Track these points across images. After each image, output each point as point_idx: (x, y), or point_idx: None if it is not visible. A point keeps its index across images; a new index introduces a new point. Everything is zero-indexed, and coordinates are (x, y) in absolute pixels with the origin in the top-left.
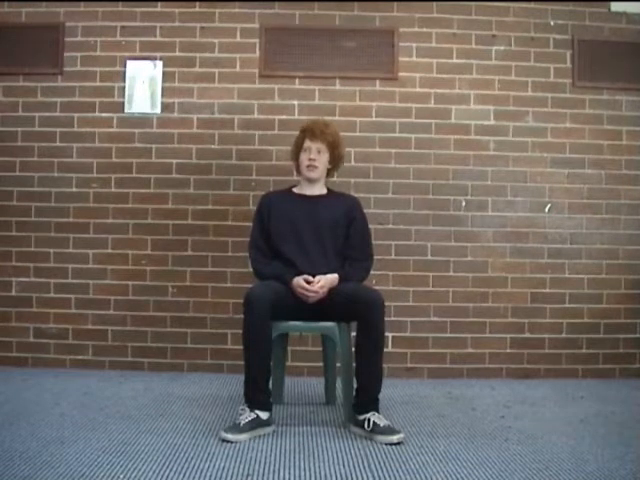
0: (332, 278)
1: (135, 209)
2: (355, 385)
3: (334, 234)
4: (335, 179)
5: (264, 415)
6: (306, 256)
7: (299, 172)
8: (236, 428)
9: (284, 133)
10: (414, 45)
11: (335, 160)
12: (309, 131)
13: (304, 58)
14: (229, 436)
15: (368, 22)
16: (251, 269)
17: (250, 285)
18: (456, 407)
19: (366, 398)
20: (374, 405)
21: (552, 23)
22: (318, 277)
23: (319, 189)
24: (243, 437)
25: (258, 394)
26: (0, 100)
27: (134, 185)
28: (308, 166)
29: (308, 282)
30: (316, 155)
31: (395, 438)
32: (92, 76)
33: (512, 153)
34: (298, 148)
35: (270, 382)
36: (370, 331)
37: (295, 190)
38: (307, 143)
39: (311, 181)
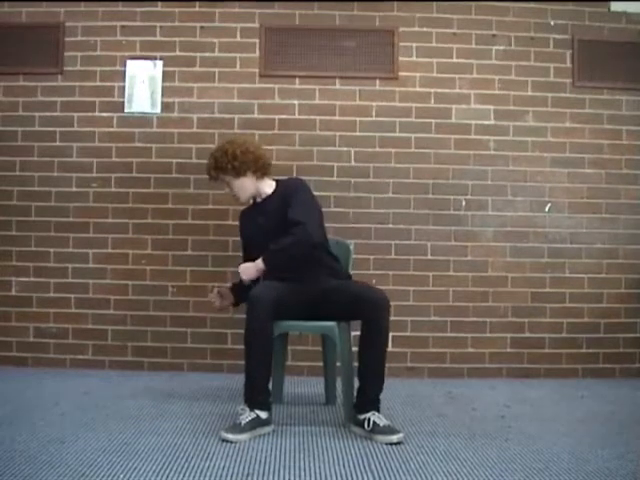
0: (244, 267)
1: (135, 209)
2: (356, 384)
3: (280, 224)
4: (335, 179)
5: (264, 415)
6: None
7: None
8: (236, 428)
9: (284, 133)
10: (414, 45)
11: (244, 168)
12: (208, 177)
13: (304, 58)
14: (229, 436)
15: (368, 22)
16: None
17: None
18: (456, 407)
19: (367, 398)
20: (375, 405)
21: (552, 23)
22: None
23: (267, 188)
24: (243, 437)
25: (258, 394)
26: (0, 100)
27: (134, 185)
28: (235, 198)
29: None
30: (229, 189)
31: (395, 438)
32: (92, 76)
33: (512, 153)
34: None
35: (270, 382)
36: (375, 331)
37: (258, 199)
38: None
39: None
